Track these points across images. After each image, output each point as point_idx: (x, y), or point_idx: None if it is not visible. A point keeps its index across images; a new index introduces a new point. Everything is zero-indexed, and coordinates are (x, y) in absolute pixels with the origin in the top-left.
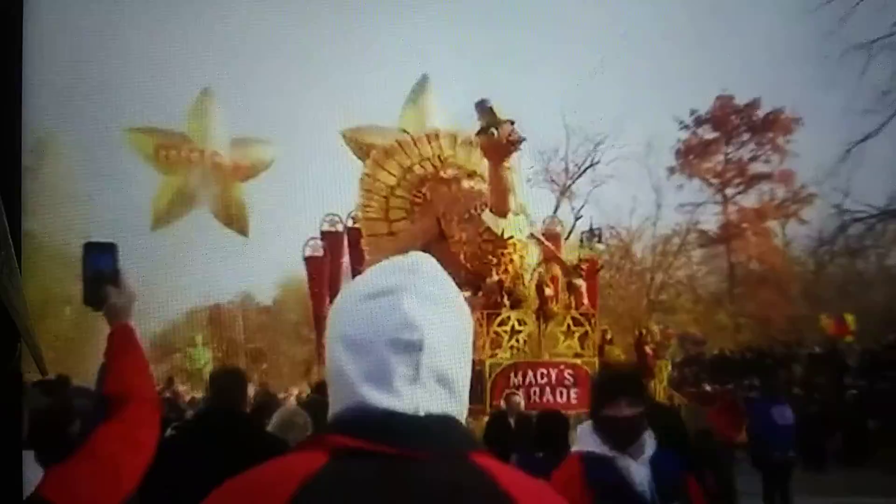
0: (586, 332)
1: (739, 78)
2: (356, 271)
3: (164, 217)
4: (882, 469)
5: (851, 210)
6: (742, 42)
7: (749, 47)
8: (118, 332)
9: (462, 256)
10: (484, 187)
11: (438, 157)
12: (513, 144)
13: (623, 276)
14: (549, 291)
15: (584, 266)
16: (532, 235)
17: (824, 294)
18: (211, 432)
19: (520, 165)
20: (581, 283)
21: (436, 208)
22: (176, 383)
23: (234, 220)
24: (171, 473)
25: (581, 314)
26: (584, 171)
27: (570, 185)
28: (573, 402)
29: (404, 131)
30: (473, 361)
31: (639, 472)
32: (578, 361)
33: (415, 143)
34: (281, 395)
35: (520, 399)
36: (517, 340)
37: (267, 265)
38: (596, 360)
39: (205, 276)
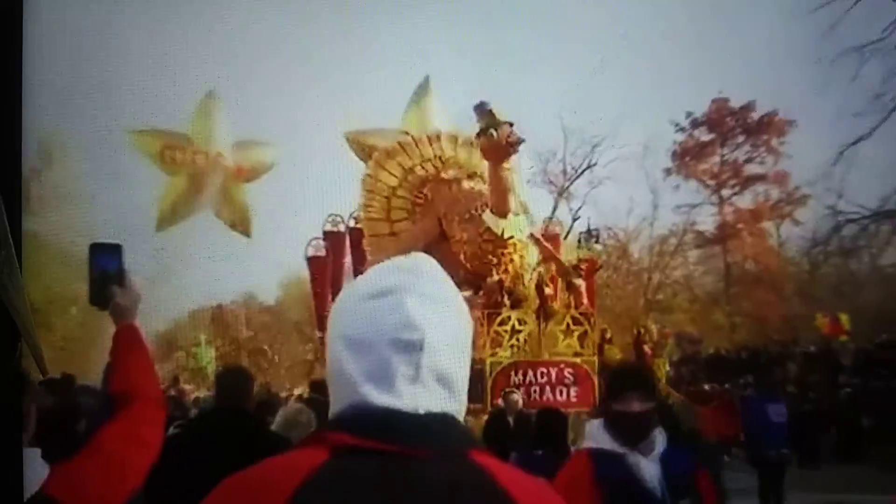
0: (585, 332)
1: (734, 81)
2: (358, 271)
3: (168, 218)
4: (876, 466)
5: (845, 211)
6: (737, 46)
7: (744, 51)
8: (123, 332)
9: (463, 256)
10: (484, 188)
11: (439, 158)
12: (512, 146)
13: (620, 276)
14: (548, 291)
15: (583, 266)
16: (531, 235)
17: (818, 294)
18: (215, 430)
19: (520, 166)
20: (580, 282)
21: (437, 209)
22: (181, 382)
23: (238, 221)
24: (174, 471)
25: (580, 313)
26: (582, 172)
27: (567, 187)
28: (573, 400)
29: (406, 133)
30: (474, 360)
31: (649, 468)
32: (578, 360)
33: (416, 144)
34: (283, 394)
35: (518, 397)
36: (517, 339)
37: (270, 265)
38: (595, 358)
39: (208, 277)
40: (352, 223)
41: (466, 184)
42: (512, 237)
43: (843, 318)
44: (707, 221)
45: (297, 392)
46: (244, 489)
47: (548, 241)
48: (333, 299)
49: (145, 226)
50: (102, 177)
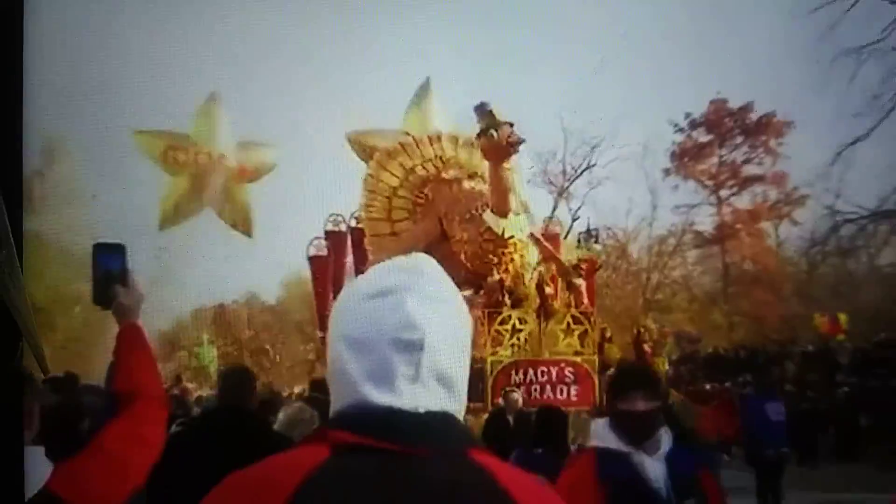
0: (586, 331)
1: (733, 82)
2: (359, 271)
3: (171, 218)
4: (874, 465)
5: (843, 211)
6: (735, 47)
7: (742, 52)
8: (127, 331)
9: (463, 256)
10: (485, 188)
11: (440, 158)
12: (512, 146)
13: (620, 275)
14: (549, 290)
15: (583, 266)
16: (531, 235)
17: (817, 294)
18: (217, 429)
19: (520, 166)
20: (581, 282)
21: (438, 209)
22: (184, 381)
23: (240, 220)
24: (177, 470)
25: (581, 313)
26: (582, 172)
27: (567, 187)
28: (573, 399)
29: (407, 133)
30: (475, 359)
31: (654, 468)
32: (578, 359)
33: (417, 145)
34: (285, 393)
35: (517, 396)
36: (518, 339)
37: (271, 265)
38: (595, 357)
39: (211, 276)
40: (353, 223)
41: (467, 184)
42: (512, 237)
43: (842, 317)
44: (706, 222)
45: (296, 390)
46: (245, 487)
47: (548, 240)
48: (335, 299)
49: (148, 226)
50: (105, 177)
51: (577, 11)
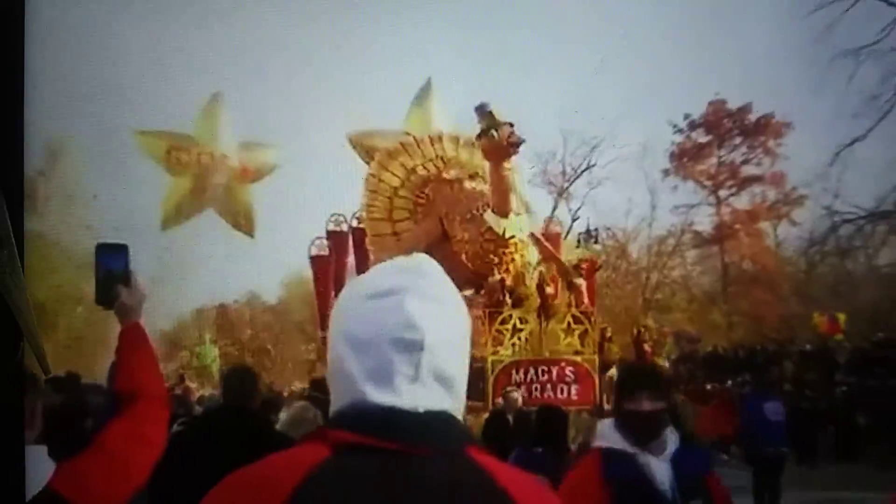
0: (586, 330)
1: (732, 83)
2: (361, 270)
3: (173, 218)
4: (872, 464)
5: (841, 211)
6: (734, 48)
7: (741, 53)
8: (129, 331)
9: (464, 256)
10: (486, 188)
11: (441, 158)
12: (512, 146)
13: (619, 275)
14: (549, 290)
15: (583, 265)
16: (532, 235)
17: (815, 293)
18: (219, 429)
19: (520, 166)
20: (581, 282)
21: (439, 209)
22: (186, 380)
23: (242, 221)
24: (179, 469)
25: (581, 312)
26: (581, 173)
27: (567, 187)
28: (574, 398)
29: (408, 134)
30: (476, 359)
31: (659, 468)
32: (578, 359)
33: (418, 145)
34: (286, 393)
35: (517, 396)
36: (518, 338)
37: (273, 265)
38: (596, 357)
39: (212, 276)
40: (354, 223)
41: (468, 184)
42: (513, 237)
43: (841, 317)
44: (705, 222)
45: (293, 389)
46: (245, 486)
47: (548, 240)
48: (336, 298)
49: (150, 226)
50: (108, 177)
51: (577, 11)
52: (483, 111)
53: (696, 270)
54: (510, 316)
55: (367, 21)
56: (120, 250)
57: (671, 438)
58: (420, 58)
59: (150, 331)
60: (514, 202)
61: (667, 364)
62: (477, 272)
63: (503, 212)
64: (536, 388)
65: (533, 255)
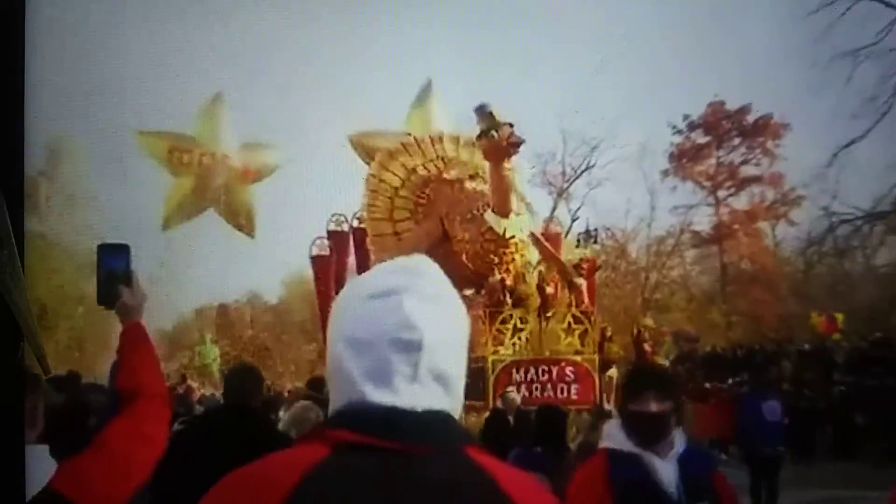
0: (586, 330)
1: (730, 84)
2: (361, 270)
3: (174, 218)
4: (870, 463)
5: (839, 212)
6: (732, 49)
7: (739, 54)
8: (130, 331)
9: (465, 256)
10: (486, 188)
11: (442, 158)
12: (512, 146)
13: (619, 275)
14: (549, 290)
15: (583, 265)
16: (532, 234)
17: (813, 293)
18: (220, 428)
19: (521, 166)
20: (581, 281)
21: (439, 209)
22: (188, 380)
23: (243, 221)
24: (180, 468)
25: (581, 312)
26: (581, 173)
27: (567, 188)
28: (574, 397)
29: (409, 134)
30: (476, 358)
31: (665, 469)
32: (578, 358)
33: (419, 145)
34: (286, 393)
35: (515, 396)
36: (519, 338)
37: (274, 264)
38: (596, 357)
39: (213, 276)
40: (355, 223)
41: (468, 184)
42: (513, 237)
43: (839, 317)
44: (703, 222)
45: (289, 387)
46: (244, 485)
47: (548, 240)
48: None
49: (151, 226)
50: (108, 178)
51: (577, 11)
52: (483, 112)
53: (695, 270)
54: (510, 316)
55: (367, 21)
56: (121, 250)
57: (678, 439)
58: (420, 58)
59: (150, 330)
60: (514, 202)
61: (666, 363)
62: (477, 272)
63: (503, 212)
64: (537, 388)
65: (533, 254)
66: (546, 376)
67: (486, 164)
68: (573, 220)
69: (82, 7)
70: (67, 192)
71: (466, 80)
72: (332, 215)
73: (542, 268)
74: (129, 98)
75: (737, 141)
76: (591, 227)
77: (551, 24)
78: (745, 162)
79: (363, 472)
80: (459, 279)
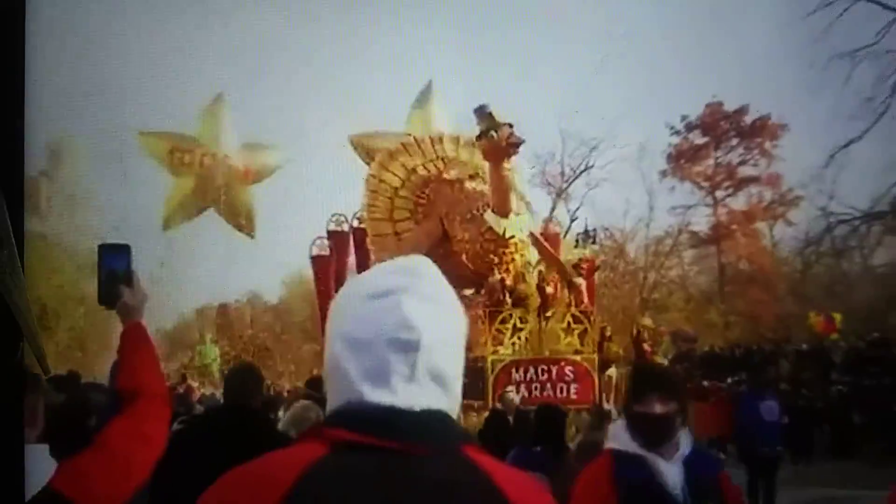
0: (585, 330)
1: (728, 84)
2: (362, 270)
3: (175, 218)
4: (868, 462)
5: (836, 212)
6: (730, 50)
7: (737, 55)
8: (131, 330)
9: (464, 256)
10: (486, 188)
11: (442, 158)
12: (512, 146)
13: (617, 275)
14: (549, 290)
15: (583, 266)
16: (531, 234)
17: (811, 293)
18: (220, 427)
19: (520, 167)
20: (581, 281)
21: (439, 209)
22: (188, 379)
23: (243, 221)
24: (181, 467)
25: (580, 312)
26: (580, 174)
27: (566, 188)
28: (573, 397)
29: (409, 135)
30: (476, 358)
31: (670, 471)
32: (578, 358)
33: (418, 145)
34: (286, 392)
35: (513, 396)
36: (518, 337)
37: (274, 264)
38: (595, 356)
39: (213, 276)
40: (355, 223)
41: (468, 184)
42: (513, 236)
43: (837, 317)
44: (701, 222)
45: (293, 388)
46: (243, 483)
47: (547, 240)
48: None
49: (151, 226)
50: (109, 178)
51: (577, 12)
52: (482, 112)
53: (693, 270)
54: (510, 315)
55: (367, 21)
56: (122, 250)
57: (684, 441)
58: (421, 59)
59: (151, 330)
60: (514, 202)
61: (665, 363)
62: (477, 272)
63: (503, 212)
64: (536, 388)
65: (533, 254)
66: (545, 376)
67: (486, 165)
68: (572, 221)
69: (82, 7)
70: (68, 192)
71: (466, 81)
72: (332, 215)
73: (541, 267)
74: (130, 98)
75: (735, 141)
76: (590, 228)
77: (551, 25)
78: (742, 162)
79: (361, 471)
80: (459, 279)
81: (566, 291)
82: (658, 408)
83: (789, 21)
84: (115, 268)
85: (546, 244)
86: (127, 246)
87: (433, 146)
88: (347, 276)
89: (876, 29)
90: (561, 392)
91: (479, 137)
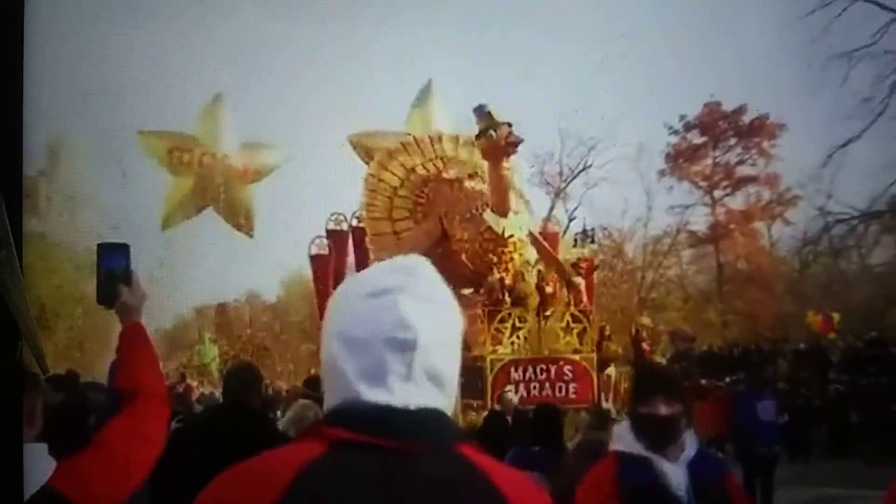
0: (584, 329)
1: (726, 84)
2: (361, 269)
3: (174, 218)
4: (865, 461)
5: (834, 212)
6: (728, 50)
7: (735, 55)
8: (129, 330)
9: (464, 255)
10: (485, 187)
11: (441, 157)
12: (511, 146)
13: (616, 275)
14: (548, 289)
15: (582, 265)
16: (530, 234)
17: (809, 293)
18: (219, 427)
19: (519, 166)
20: (580, 280)
21: (438, 208)
22: (187, 379)
23: (242, 220)
24: (180, 466)
25: (580, 311)
26: (578, 174)
27: (564, 188)
28: (572, 396)
29: (409, 134)
30: (475, 357)
31: (675, 473)
32: (577, 357)
33: (418, 145)
34: (284, 392)
35: (512, 397)
36: (518, 337)
37: (273, 264)
38: (594, 355)
39: (212, 275)
40: (354, 222)
41: (467, 183)
42: (512, 236)
43: (836, 316)
44: (700, 222)
45: (291, 387)
46: (241, 480)
47: (546, 239)
48: None
49: (151, 225)
50: (109, 178)
51: (577, 11)
52: (481, 112)
53: (692, 270)
54: (509, 314)
55: (367, 22)
56: (121, 250)
57: (689, 443)
58: (420, 58)
59: (150, 329)
60: (513, 201)
61: (664, 362)
62: (476, 271)
63: (502, 211)
64: (535, 387)
65: (532, 253)
66: (544, 375)
67: (485, 164)
68: (570, 220)
69: (82, 7)
70: (67, 191)
71: (466, 81)
72: (332, 214)
73: (540, 267)
74: (129, 98)
75: (733, 141)
76: (588, 227)
77: (551, 25)
78: (741, 162)
79: (358, 469)
80: (458, 278)
81: (565, 291)
82: (663, 409)
83: (787, 21)
84: (113, 267)
85: (545, 244)
86: (126, 245)
87: (432, 145)
88: (346, 275)
89: (874, 29)
90: (560, 391)
91: (478, 137)
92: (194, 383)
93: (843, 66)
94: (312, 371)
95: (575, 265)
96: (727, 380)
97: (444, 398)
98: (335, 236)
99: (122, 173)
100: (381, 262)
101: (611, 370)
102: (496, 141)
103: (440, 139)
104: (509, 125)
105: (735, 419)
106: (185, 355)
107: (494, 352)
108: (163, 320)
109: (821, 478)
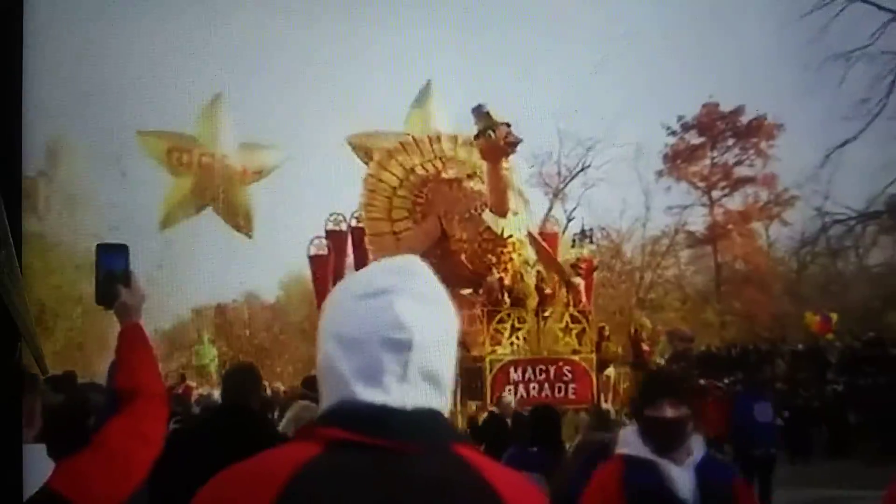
0: (584, 329)
1: (724, 85)
2: (359, 270)
3: (173, 218)
4: (864, 461)
5: (832, 212)
6: (726, 51)
7: (733, 56)
8: (128, 331)
9: (463, 255)
10: (484, 188)
11: (440, 158)
12: (509, 146)
13: (614, 275)
14: (548, 290)
15: (581, 265)
16: (529, 234)
17: (806, 293)
18: (218, 427)
19: (518, 166)
20: (579, 281)
21: (437, 208)
22: (186, 379)
23: (241, 221)
24: (179, 467)
25: (579, 311)
26: (577, 174)
27: (562, 188)
28: (571, 397)
29: (408, 134)
30: (474, 358)
31: (681, 477)
32: (576, 358)
33: (417, 145)
34: (283, 393)
35: (510, 400)
36: (517, 337)
37: (272, 264)
38: (593, 356)
39: (211, 276)
40: (354, 222)
41: (466, 183)
42: (511, 236)
43: (834, 317)
44: (698, 222)
45: (290, 388)
46: (238, 480)
47: (545, 239)
48: None
49: (150, 226)
50: (108, 178)
51: (577, 12)
52: (480, 112)
53: (690, 270)
54: (508, 315)
55: (367, 22)
56: (120, 250)
57: (697, 446)
58: (420, 59)
59: (149, 330)
60: (512, 201)
61: (662, 362)
62: (475, 271)
63: (501, 211)
64: (534, 387)
65: (531, 254)
66: (544, 375)
67: (484, 164)
68: (569, 221)
69: (82, 7)
70: (66, 192)
71: (465, 81)
72: (331, 215)
73: (539, 267)
74: (129, 98)
75: (731, 142)
76: (587, 227)
77: (550, 25)
78: (738, 163)
79: (354, 469)
80: (458, 278)
81: (564, 291)
82: (669, 412)
83: (785, 22)
84: (113, 268)
85: (544, 244)
86: (125, 246)
87: (431, 146)
88: (346, 275)
89: (871, 30)
90: (559, 392)
91: (477, 137)
92: (193, 384)
93: (840, 67)
94: (312, 371)
95: (574, 266)
96: (725, 380)
97: (440, 398)
98: (334, 237)
99: (122, 173)
100: (375, 262)
101: (610, 371)
102: (495, 141)
103: (439, 139)
104: (508, 125)
105: (733, 420)
106: (184, 356)
107: (493, 352)
108: (162, 321)
109: (820, 478)
